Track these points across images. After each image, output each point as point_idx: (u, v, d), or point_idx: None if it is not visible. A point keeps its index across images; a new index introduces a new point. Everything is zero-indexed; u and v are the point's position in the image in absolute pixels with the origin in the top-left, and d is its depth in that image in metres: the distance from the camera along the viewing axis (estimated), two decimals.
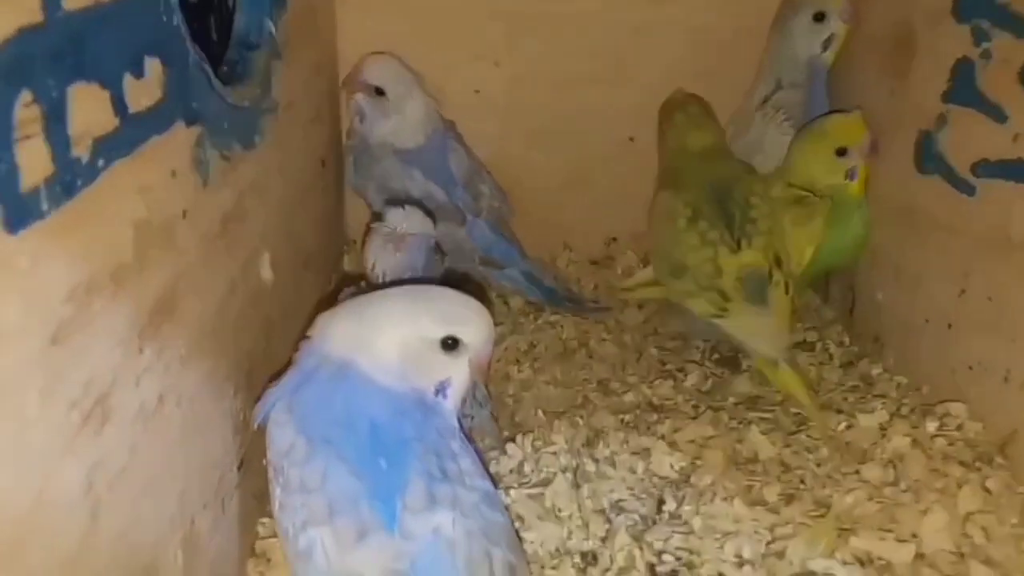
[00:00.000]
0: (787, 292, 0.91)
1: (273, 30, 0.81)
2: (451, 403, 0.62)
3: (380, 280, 0.77)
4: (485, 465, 0.63)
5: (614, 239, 1.24)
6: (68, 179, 0.42)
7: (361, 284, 0.80)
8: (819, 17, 1.06)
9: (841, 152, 0.98)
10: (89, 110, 0.44)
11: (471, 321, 0.62)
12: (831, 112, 1.03)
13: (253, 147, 0.74)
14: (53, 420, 0.41)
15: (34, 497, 0.39)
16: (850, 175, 0.99)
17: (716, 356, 1.01)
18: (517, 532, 0.66)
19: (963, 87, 0.81)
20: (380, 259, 0.77)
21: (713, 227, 0.93)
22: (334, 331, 0.62)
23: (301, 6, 0.93)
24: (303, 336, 0.66)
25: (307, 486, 0.56)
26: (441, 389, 0.61)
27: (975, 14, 0.79)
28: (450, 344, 0.61)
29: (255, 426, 0.63)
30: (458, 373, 0.61)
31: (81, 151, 0.43)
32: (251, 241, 0.74)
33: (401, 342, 0.60)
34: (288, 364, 0.66)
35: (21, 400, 0.38)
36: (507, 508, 0.71)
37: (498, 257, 1.10)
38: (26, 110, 0.38)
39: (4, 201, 0.36)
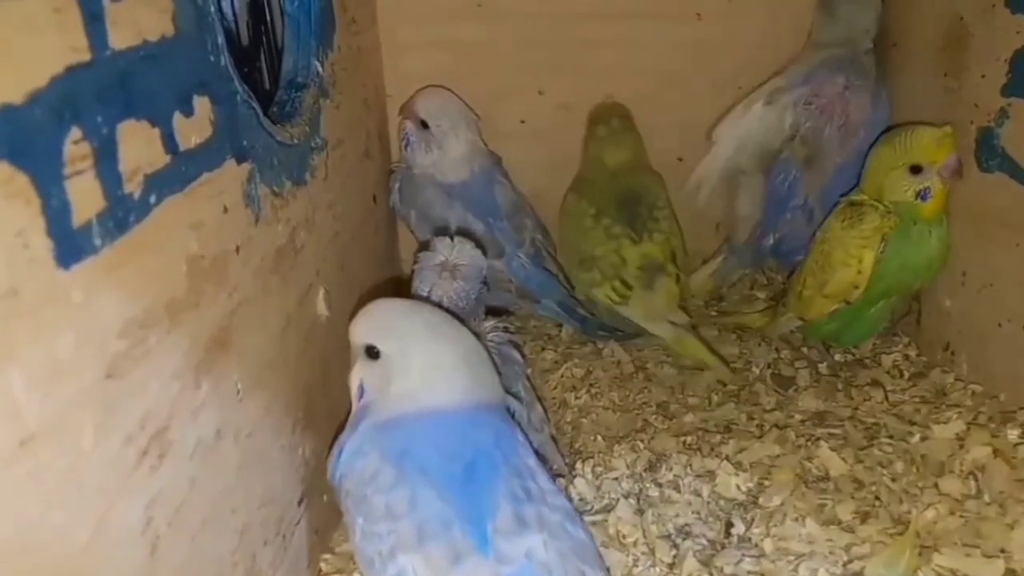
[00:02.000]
0: (677, 283, 1.04)
1: (320, 70, 0.83)
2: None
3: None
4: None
5: None
6: (120, 215, 0.42)
7: None
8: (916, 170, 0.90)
9: (915, 170, 0.88)
10: (139, 147, 0.45)
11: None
12: (920, 123, 0.92)
13: (304, 184, 0.75)
14: (109, 455, 0.41)
15: (91, 533, 0.40)
16: (921, 195, 0.89)
17: (773, 372, 0.98)
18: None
19: (1023, 78, 0.78)
20: (437, 287, 0.77)
21: (616, 223, 1.05)
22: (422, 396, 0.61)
23: (348, 46, 0.95)
24: None
25: (394, 513, 0.55)
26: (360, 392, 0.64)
27: None
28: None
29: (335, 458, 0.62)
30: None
31: (133, 187, 0.44)
32: (305, 276, 0.74)
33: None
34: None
35: (76, 434, 0.39)
36: None
37: (534, 289, 1.10)
38: (76, 147, 0.39)
39: (57, 236, 0.37)
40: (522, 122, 1.17)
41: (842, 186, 1.01)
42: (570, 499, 0.66)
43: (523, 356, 0.80)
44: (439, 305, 0.76)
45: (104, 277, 0.41)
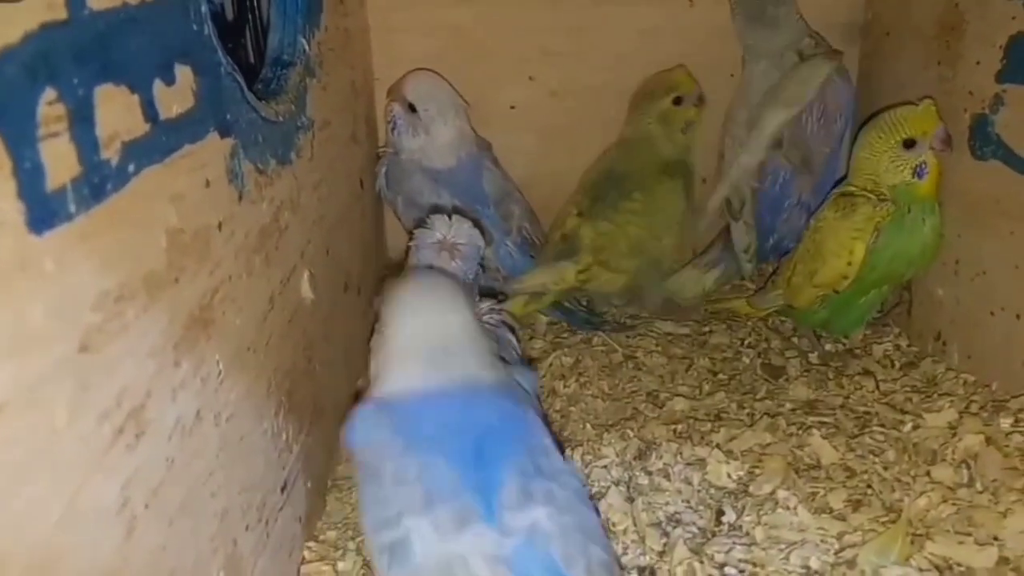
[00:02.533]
0: (580, 274, 1.05)
1: (307, 48, 0.81)
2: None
3: None
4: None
5: None
6: (96, 181, 0.41)
7: None
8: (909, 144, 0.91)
9: (908, 144, 0.89)
10: (118, 113, 0.43)
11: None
12: (898, 104, 0.93)
13: (289, 163, 0.73)
14: (83, 432, 0.40)
15: (64, 512, 0.38)
16: (918, 172, 0.89)
17: (762, 362, 0.97)
18: None
19: (1019, 64, 0.78)
20: (435, 265, 0.76)
21: (586, 195, 1.09)
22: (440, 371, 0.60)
23: (335, 26, 0.93)
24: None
25: (403, 479, 0.55)
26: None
27: None
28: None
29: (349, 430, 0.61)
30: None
31: (110, 154, 0.42)
32: (290, 258, 0.73)
33: (478, 330, 0.63)
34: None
35: (49, 410, 0.37)
36: None
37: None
38: (50, 108, 0.37)
39: (29, 200, 0.35)
40: (512, 108, 1.15)
41: (832, 175, 1.01)
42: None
43: (518, 338, 0.78)
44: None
45: (78, 246, 0.39)
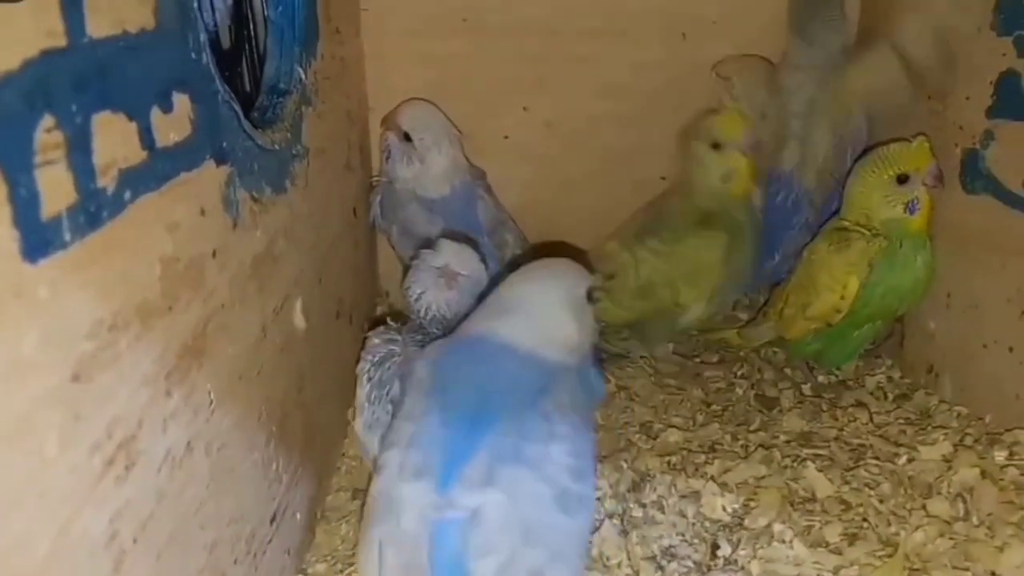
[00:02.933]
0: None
1: (303, 76, 0.81)
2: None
3: (423, 312, 0.74)
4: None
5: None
6: (92, 209, 0.40)
7: (389, 324, 0.78)
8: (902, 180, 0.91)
9: (902, 179, 0.89)
10: (115, 141, 0.43)
11: (583, 269, 0.68)
12: (891, 140, 0.93)
13: (284, 192, 0.73)
14: (74, 463, 0.39)
15: (52, 544, 0.37)
16: (910, 207, 0.89)
17: (756, 393, 0.97)
18: None
19: (1009, 100, 0.78)
20: (430, 291, 0.74)
21: (636, 220, 1.07)
22: (508, 332, 0.62)
23: (332, 55, 0.93)
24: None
25: (410, 415, 0.60)
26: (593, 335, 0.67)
27: (1018, 26, 0.76)
28: (589, 295, 0.66)
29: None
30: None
31: (107, 182, 0.42)
32: (283, 286, 0.72)
33: (575, 317, 0.64)
34: None
35: (39, 440, 0.36)
36: None
37: None
38: (48, 135, 0.37)
39: (24, 228, 0.35)
40: (506, 138, 1.16)
41: (831, 206, 1.01)
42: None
43: None
44: (425, 310, 0.73)
45: (72, 274, 0.39)
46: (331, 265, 0.90)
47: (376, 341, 0.75)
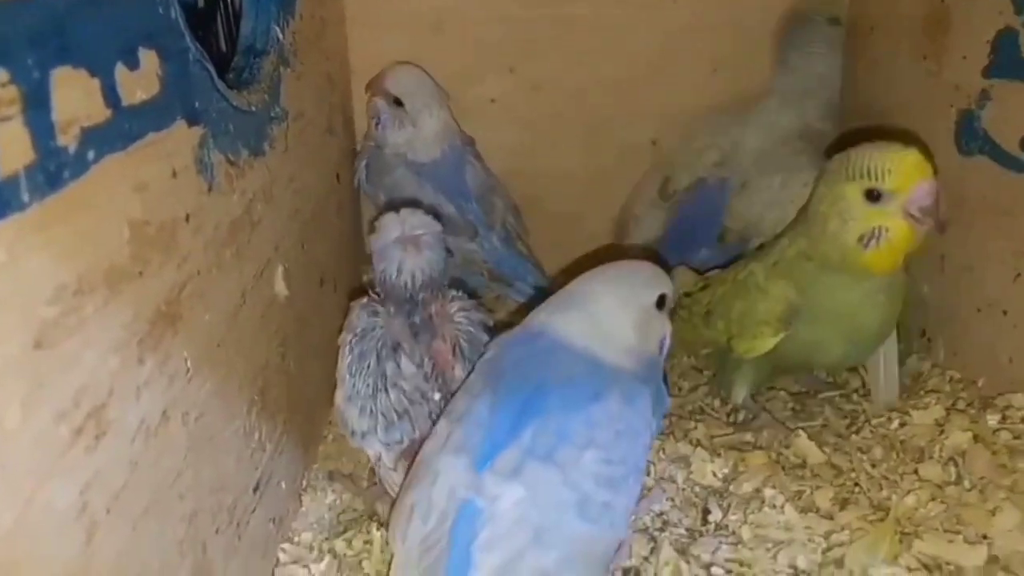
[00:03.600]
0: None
1: (281, 36, 0.79)
2: (663, 354, 0.68)
3: (410, 283, 0.72)
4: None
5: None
6: (52, 169, 0.38)
7: (372, 295, 0.76)
8: (873, 196, 0.72)
9: (872, 196, 0.70)
10: (76, 97, 0.41)
11: (662, 275, 0.68)
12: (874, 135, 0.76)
13: (262, 155, 0.71)
14: (38, 432, 0.38)
15: (18, 517, 0.36)
16: (865, 239, 0.71)
17: None
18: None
19: (1006, 59, 0.76)
20: (406, 263, 0.72)
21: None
22: (566, 328, 0.64)
23: (311, 16, 0.91)
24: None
25: (469, 390, 0.63)
26: (661, 345, 0.67)
27: None
28: (660, 302, 0.66)
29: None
30: (666, 325, 0.67)
31: (67, 140, 0.40)
32: (263, 252, 0.71)
33: (636, 320, 0.64)
34: None
35: (1, 408, 0.35)
36: None
37: (507, 272, 1.08)
38: (2, 90, 0.35)
39: None
40: (492, 101, 1.13)
41: None
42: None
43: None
44: (411, 282, 0.72)
45: (32, 236, 0.37)
46: (314, 231, 0.88)
47: (358, 312, 0.74)
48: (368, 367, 0.71)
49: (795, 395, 0.88)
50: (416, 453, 0.64)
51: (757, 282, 0.80)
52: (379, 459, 0.71)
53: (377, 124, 1.04)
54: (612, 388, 0.60)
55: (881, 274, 0.74)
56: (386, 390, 0.70)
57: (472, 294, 0.80)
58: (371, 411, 0.70)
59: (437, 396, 0.70)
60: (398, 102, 1.02)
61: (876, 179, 0.70)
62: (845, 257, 0.74)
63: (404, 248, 0.72)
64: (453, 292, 0.76)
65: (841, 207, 0.73)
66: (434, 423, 0.65)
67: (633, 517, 0.66)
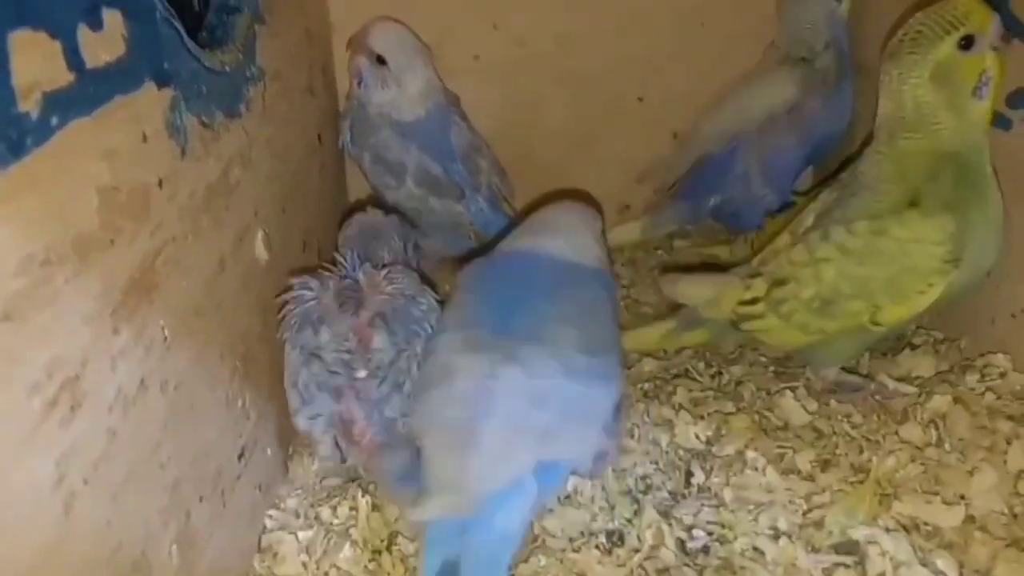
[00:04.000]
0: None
1: None
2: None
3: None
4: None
5: (627, 207, 1.19)
6: (14, 136, 0.37)
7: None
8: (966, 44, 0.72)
9: (967, 43, 0.68)
10: (36, 61, 0.39)
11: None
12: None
13: (238, 117, 0.69)
14: (10, 406, 0.37)
15: None
16: (979, 90, 0.68)
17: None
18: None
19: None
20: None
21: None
22: (542, 245, 0.76)
23: None
24: None
25: (459, 305, 0.72)
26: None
27: None
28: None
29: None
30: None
31: (29, 106, 0.39)
32: (242, 217, 0.69)
33: (602, 244, 0.80)
34: None
35: None
36: None
37: (495, 235, 1.06)
38: None
39: None
40: (475, 58, 1.11)
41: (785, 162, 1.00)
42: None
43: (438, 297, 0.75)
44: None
45: None
46: (295, 194, 0.87)
47: (295, 287, 0.72)
48: (298, 340, 0.71)
49: (776, 358, 0.87)
50: (344, 427, 0.69)
51: (891, 235, 0.69)
52: (309, 435, 0.71)
53: (360, 83, 1.01)
54: (588, 281, 0.74)
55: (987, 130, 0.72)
56: (308, 363, 0.69)
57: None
58: (296, 385, 0.70)
59: (363, 373, 0.69)
60: (381, 60, 1.00)
61: (963, 26, 0.69)
62: (971, 125, 0.70)
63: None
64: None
65: (943, 72, 0.70)
66: (360, 399, 0.69)
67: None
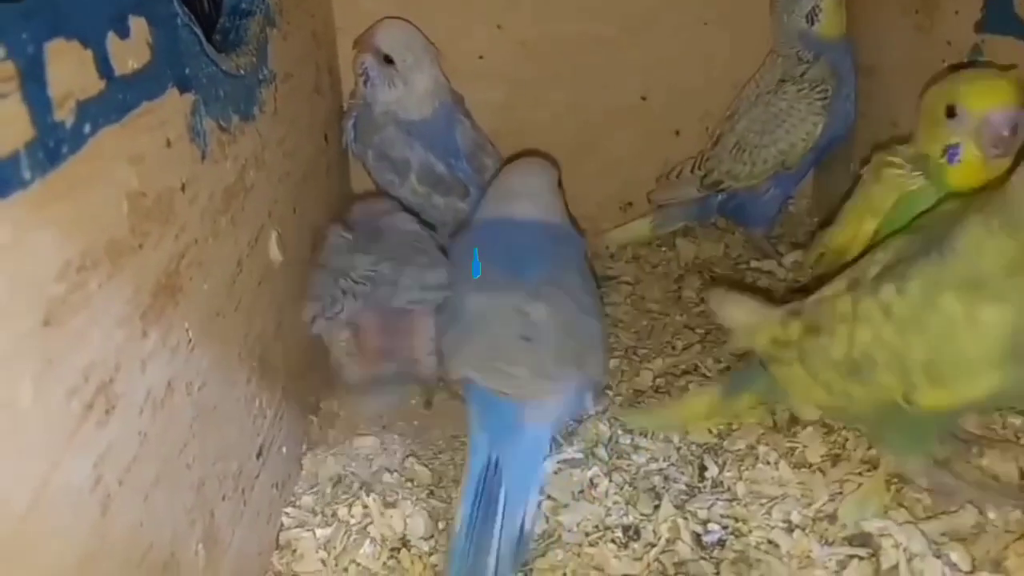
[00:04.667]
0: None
1: None
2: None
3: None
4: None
5: (630, 204, 1.20)
6: (51, 145, 0.38)
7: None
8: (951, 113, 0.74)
9: (950, 112, 0.69)
10: (70, 70, 0.40)
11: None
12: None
13: (252, 119, 0.70)
14: (51, 409, 0.38)
15: (35, 492, 0.36)
16: (949, 153, 0.70)
17: None
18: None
19: (998, 14, 0.76)
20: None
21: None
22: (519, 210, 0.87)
23: None
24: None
25: (466, 278, 0.80)
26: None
27: None
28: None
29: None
30: None
31: (64, 115, 0.39)
32: (257, 218, 0.70)
33: (559, 196, 0.91)
34: None
35: (13, 388, 0.35)
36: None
37: None
38: None
39: None
40: (480, 58, 1.12)
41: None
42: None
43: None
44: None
45: (36, 214, 0.37)
46: (305, 194, 0.87)
47: (332, 230, 0.87)
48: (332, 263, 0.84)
49: None
50: (355, 329, 0.81)
51: (942, 309, 0.59)
52: (327, 337, 0.83)
53: (366, 82, 1.02)
54: (564, 241, 0.86)
55: (962, 185, 0.69)
56: (335, 279, 0.82)
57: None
58: (318, 297, 0.82)
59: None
60: (388, 60, 1.00)
61: (954, 96, 0.69)
62: (936, 170, 0.71)
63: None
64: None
65: (930, 119, 0.72)
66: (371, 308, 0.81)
67: None
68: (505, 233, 0.85)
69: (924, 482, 0.67)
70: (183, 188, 0.53)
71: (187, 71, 0.55)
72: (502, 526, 0.63)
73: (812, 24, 1.01)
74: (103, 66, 0.43)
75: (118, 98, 0.45)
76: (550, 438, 0.72)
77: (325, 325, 0.82)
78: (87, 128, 0.41)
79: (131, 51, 0.47)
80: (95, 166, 0.42)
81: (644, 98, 1.14)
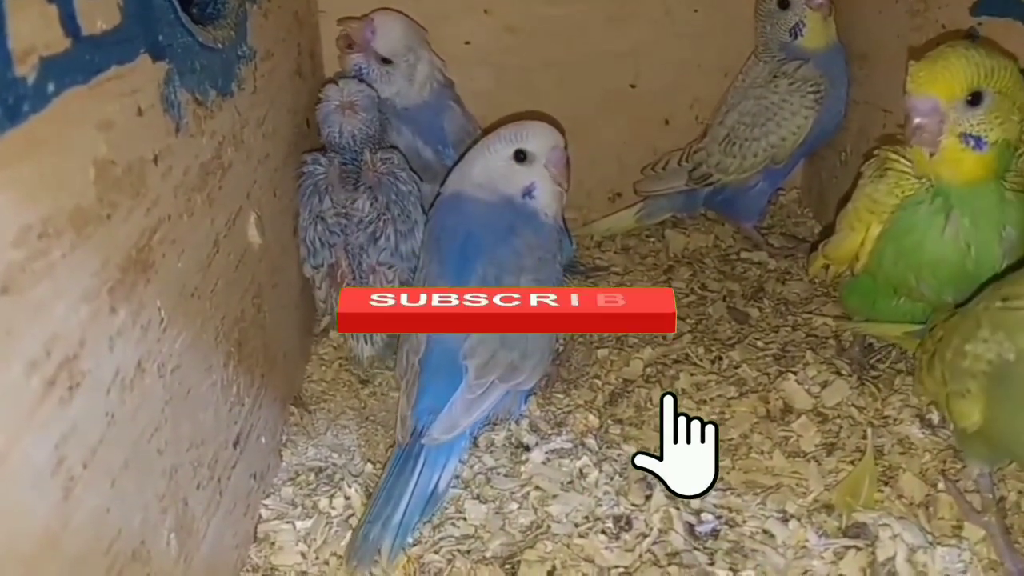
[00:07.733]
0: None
1: None
2: (541, 202, 0.83)
3: (351, 142, 0.86)
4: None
5: (618, 194, 1.18)
6: (11, 101, 0.36)
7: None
8: (783, 4, 0.98)
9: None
10: (32, 24, 0.38)
11: (533, 135, 0.83)
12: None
13: (230, 95, 0.67)
14: (9, 384, 0.35)
15: None
16: (793, 31, 0.91)
17: (728, 306, 0.95)
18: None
19: None
20: (345, 124, 0.85)
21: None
22: (467, 183, 0.84)
23: None
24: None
25: (426, 264, 0.82)
26: (528, 192, 0.82)
27: None
28: (521, 156, 0.82)
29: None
30: (539, 178, 0.82)
31: (26, 70, 0.37)
32: (235, 198, 0.68)
33: (485, 166, 0.83)
34: None
35: None
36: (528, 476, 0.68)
37: None
38: None
39: None
40: (467, 44, 1.10)
41: None
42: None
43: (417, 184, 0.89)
44: (352, 141, 0.86)
45: None
46: (286, 177, 0.85)
47: (307, 160, 0.87)
48: (308, 204, 0.86)
49: (774, 342, 0.87)
50: (332, 272, 0.84)
51: (867, 175, 0.69)
52: (312, 280, 0.87)
53: (359, 77, 0.99)
54: (523, 223, 0.80)
55: (961, 182, 0.66)
56: (315, 223, 0.85)
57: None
58: (304, 239, 0.86)
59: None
60: (386, 61, 0.98)
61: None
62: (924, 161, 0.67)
63: (343, 113, 0.86)
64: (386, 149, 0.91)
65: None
66: (348, 252, 0.84)
67: None
68: (461, 214, 0.82)
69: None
70: (156, 160, 0.51)
71: (160, 38, 0.52)
72: (416, 482, 0.67)
73: (795, 38, 1.00)
74: (69, 23, 0.41)
75: (85, 58, 0.42)
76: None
77: (311, 271, 0.86)
78: (51, 87, 0.39)
79: (100, 11, 0.44)
80: (59, 128, 0.40)
81: (633, 85, 1.13)
